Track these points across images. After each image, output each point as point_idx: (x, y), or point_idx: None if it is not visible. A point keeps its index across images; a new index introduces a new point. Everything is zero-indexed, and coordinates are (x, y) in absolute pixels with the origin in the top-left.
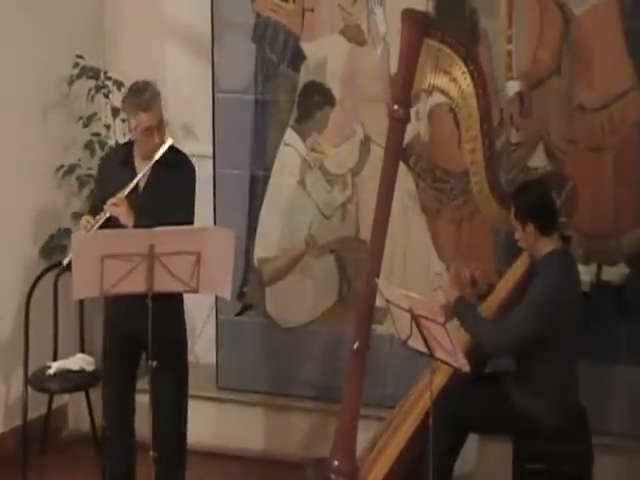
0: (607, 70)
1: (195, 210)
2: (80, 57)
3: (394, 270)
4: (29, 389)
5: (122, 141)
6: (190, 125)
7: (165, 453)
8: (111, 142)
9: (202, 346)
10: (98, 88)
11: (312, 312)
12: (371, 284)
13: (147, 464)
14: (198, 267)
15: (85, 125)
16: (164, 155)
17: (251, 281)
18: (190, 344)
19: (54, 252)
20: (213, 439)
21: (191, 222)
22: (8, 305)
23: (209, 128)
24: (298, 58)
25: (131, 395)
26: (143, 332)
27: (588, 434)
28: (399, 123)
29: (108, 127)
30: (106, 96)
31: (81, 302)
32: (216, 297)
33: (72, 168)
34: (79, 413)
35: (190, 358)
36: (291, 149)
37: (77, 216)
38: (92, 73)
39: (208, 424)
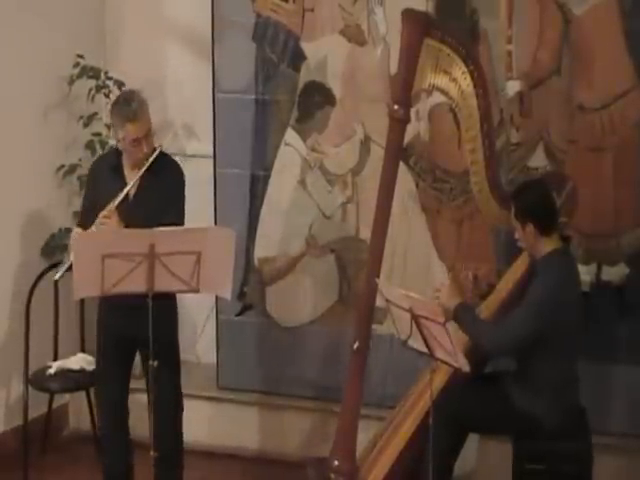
0: (607, 70)
1: (196, 210)
2: (81, 57)
3: (394, 270)
4: (30, 389)
5: None
6: (191, 125)
7: (166, 453)
8: (112, 142)
9: (203, 346)
10: (99, 88)
11: (312, 312)
12: (371, 284)
13: (146, 464)
14: (198, 267)
15: (86, 125)
16: (153, 162)
17: (251, 281)
18: (191, 344)
19: (55, 252)
20: (212, 439)
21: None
22: (9, 304)
23: (210, 128)
24: (298, 58)
25: (126, 395)
26: (137, 332)
27: (588, 434)
28: (399, 123)
29: (109, 127)
30: (107, 96)
31: (82, 302)
32: (216, 297)
33: (73, 168)
34: (80, 413)
35: (191, 358)
36: (291, 149)
37: (78, 215)
38: (93, 73)
39: (208, 424)
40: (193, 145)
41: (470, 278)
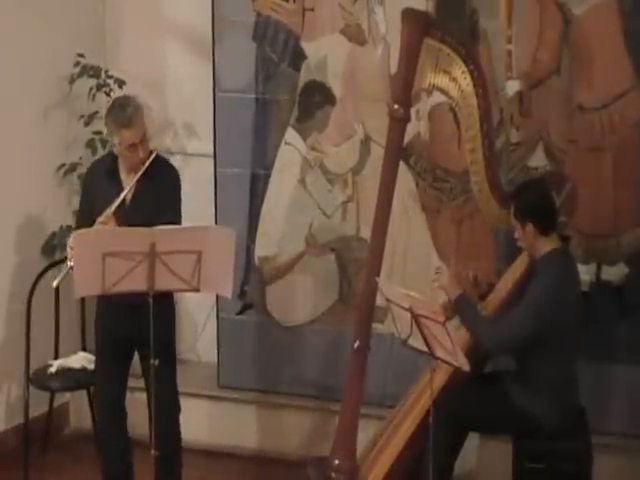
0: (607, 70)
1: (196, 209)
2: (81, 56)
3: (394, 269)
4: (30, 387)
5: None
6: (191, 124)
7: (166, 451)
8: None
9: (203, 345)
10: (99, 87)
11: (313, 311)
12: (371, 283)
13: (146, 462)
14: (199, 266)
15: (86, 124)
16: (149, 166)
17: (252, 280)
18: (191, 343)
19: (55, 250)
20: (212, 437)
21: None
22: (9, 303)
23: (210, 127)
24: (299, 57)
25: (123, 394)
26: (134, 332)
27: (588, 434)
28: (399, 122)
29: None
30: (107, 94)
31: (82, 300)
32: (217, 296)
33: (73, 167)
34: (80, 411)
35: (191, 357)
36: (292, 148)
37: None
38: (93, 72)
39: (208, 422)
40: (193, 144)
41: (470, 279)
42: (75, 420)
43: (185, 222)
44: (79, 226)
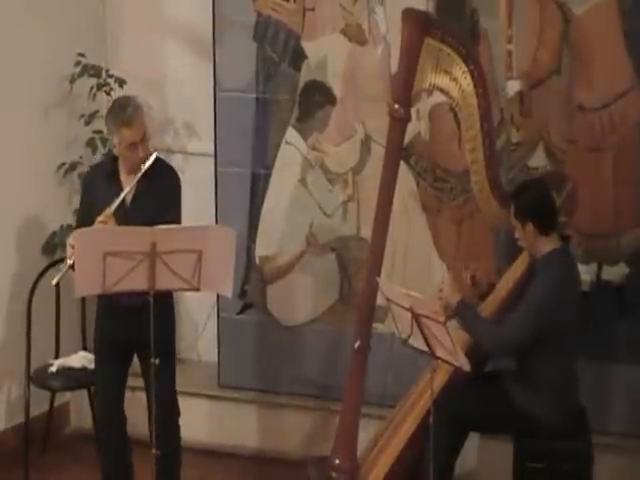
0: (607, 70)
1: (197, 209)
2: (82, 55)
3: (395, 269)
4: (31, 387)
5: None
6: (191, 124)
7: (166, 451)
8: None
9: (204, 344)
10: (100, 86)
11: (313, 311)
12: (372, 283)
13: (146, 461)
14: (199, 265)
15: (87, 123)
16: (149, 168)
17: (252, 279)
18: (192, 342)
19: (56, 249)
20: (213, 437)
21: None
22: (10, 302)
23: (210, 127)
24: (299, 57)
25: (122, 395)
26: (132, 335)
27: (588, 433)
28: (400, 122)
29: None
30: (108, 94)
31: (83, 299)
32: (217, 295)
33: (74, 166)
34: (81, 411)
35: (192, 356)
36: (292, 148)
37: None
38: (94, 71)
39: (209, 422)
40: (194, 144)
41: (468, 280)
42: (75, 419)
43: (185, 222)
44: (79, 228)
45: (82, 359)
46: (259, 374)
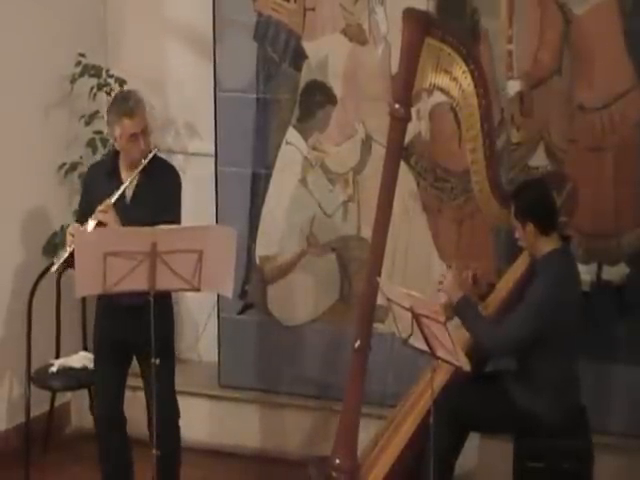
0: (607, 70)
1: (197, 209)
2: (82, 55)
3: (395, 269)
4: (32, 387)
5: None
6: (192, 124)
7: (167, 450)
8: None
9: (204, 344)
10: (100, 86)
11: (313, 310)
12: (372, 283)
13: (146, 461)
14: (200, 265)
15: (87, 123)
16: (149, 165)
17: (253, 279)
18: (192, 342)
19: (56, 250)
20: (213, 437)
21: None
22: (11, 303)
23: (211, 127)
24: (299, 57)
25: (122, 396)
26: (131, 336)
27: (588, 433)
28: (400, 122)
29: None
30: (108, 94)
31: (83, 300)
32: (218, 295)
33: (74, 166)
34: (82, 411)
35: (192, 356)
36: (293, 148)
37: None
38: (94, 71)
39: (209, 422)
40: (195, 144)
41: (469, 279)
42: (76, 419)
43: (186, 221)
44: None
45: (83, 359)
46: (260, 374)
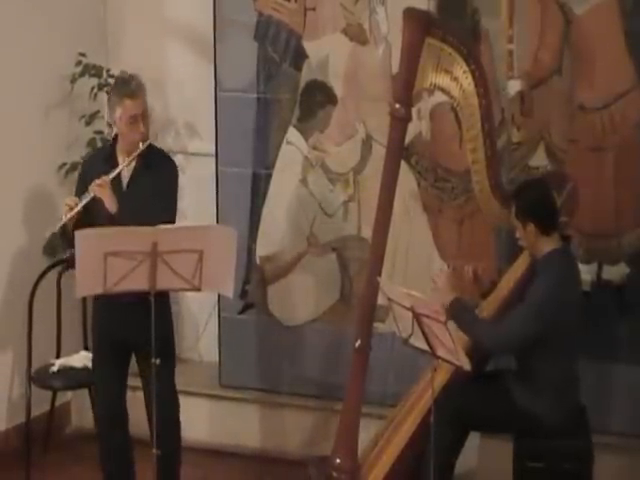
0: (608, 70)
1: (198, 209)
2: (83, 55)
3: (396, 269)
4: (32, 386)
5: None
6: (193, 124)
7: (168, 450)
8: None
9: (205, 344)
10: (101, 86)
11: (314, 310)
12: (373, 283)
13: (146, 461)
14: (200, 265)
15: (88, 123)
16: (147, 154)
17: (253, 279)
18: (193, 342)
19: (57, 250)
20: (214, 437)
21: (173, 219)
22: (11, 302)
23: (212, 127)
24: (300, 57)
25: (123, 394)
26: (129, 334)
27: (589, 433)
28: (401, 122)
29: (110, 125)
30: (109, 94)
31: (84, 299)
32: (218, 295)
33: (75, 166)
34: (82, 410)
35: (193, 356)
36: (293, 147)
37: None
38: (95, 71)
39: (210, 422)
40: (195, 144)
41: (470, 275)
42: (77, 419)
43: (187, 221)
44: None
45: (83, 359)
46: (260, 374)
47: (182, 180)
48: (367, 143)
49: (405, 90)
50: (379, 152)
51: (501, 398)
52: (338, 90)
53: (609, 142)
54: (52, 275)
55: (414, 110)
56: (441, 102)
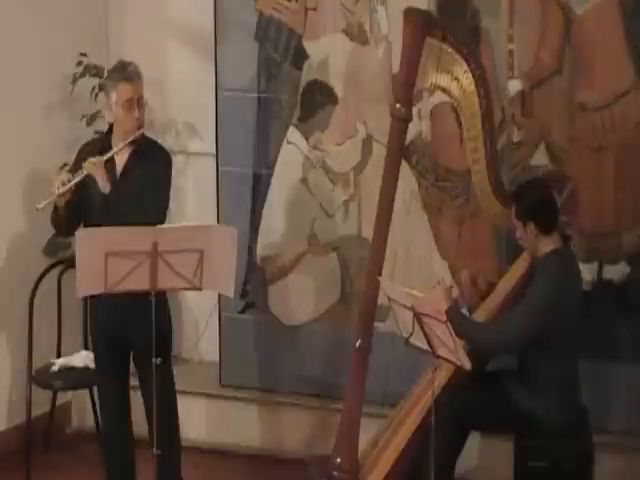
0: (608, 69)
1: (199, 208)
2: (83, 55)
3: (396, 268)
4: (33, 386)
5: None
6: (193, 123)
7: (168, 449)
8: None
9: (205, 344)
10: (101, 86)
11: (314, 310)
12: (373, 282)
13: (146, 460)
14: (201, 265)
15: (88, 123)
16: (141, 145)
17: (254, 279)
18: (193, 342)
19: (58, 249)
20: (214, 436)
21: (165, 206)
22: (12, 302)
23: (212, 126)
24: (301, 57)
25: (126, 393)
26: (127, 332)
27: (589, 432)
28: (401, 122)
29: (111, 125)
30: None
31: (85, 299)
32: (219, 295)
33: None
34: (83, 410)
35: (193, 356)
36: (294, 147)
37: None
38: (95, 71)
39: (210, 421)
40: (196, 143)
41: (468, 280)
42: (77, 419)
43: (187, 221)
44: None
45: (84, 358)
46: (260, 373)
47: (182, 180)
48: (367, 143)
49: (405, 90)
50: (379, 152)
51: (501, 398)
52: (339, 90)
53: (609, 142)
54: (53, 275)
55: (414, 110)
56: (442, 102)
